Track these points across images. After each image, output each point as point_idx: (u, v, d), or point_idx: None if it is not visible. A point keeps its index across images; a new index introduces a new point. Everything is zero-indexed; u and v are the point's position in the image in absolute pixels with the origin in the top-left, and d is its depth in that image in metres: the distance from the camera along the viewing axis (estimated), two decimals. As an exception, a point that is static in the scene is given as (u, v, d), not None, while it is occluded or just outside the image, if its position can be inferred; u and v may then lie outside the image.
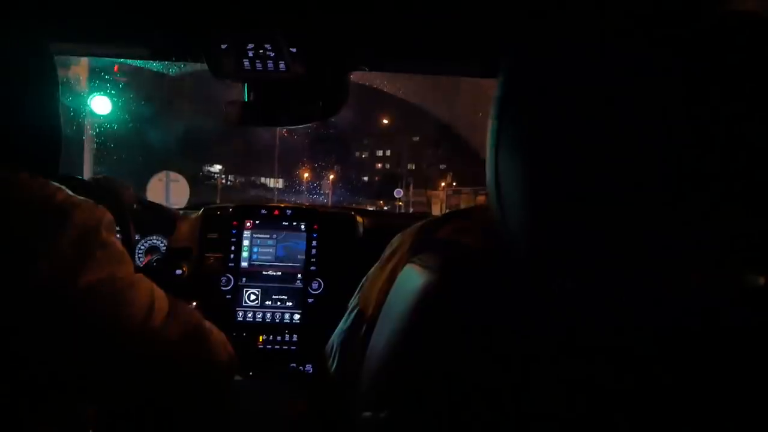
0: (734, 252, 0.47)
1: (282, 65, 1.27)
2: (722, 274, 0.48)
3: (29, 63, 0.82)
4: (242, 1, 1.10)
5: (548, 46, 0.51)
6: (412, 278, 0.59)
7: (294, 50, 1.22)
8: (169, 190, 7.04)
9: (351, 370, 0.69)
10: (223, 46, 1.23)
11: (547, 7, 0.53)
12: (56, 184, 0.75)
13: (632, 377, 0.47)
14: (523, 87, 0.52)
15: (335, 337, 0.83)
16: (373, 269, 0.82)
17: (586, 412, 0.47)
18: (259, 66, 1.28)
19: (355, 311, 0.79)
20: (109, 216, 0.78)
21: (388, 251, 0.80)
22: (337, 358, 0.79)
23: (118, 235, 1.71)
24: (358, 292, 0.83)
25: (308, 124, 1.53)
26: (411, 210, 26.50)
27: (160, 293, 0.84)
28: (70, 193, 0.75)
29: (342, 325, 0.82)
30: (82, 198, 0.75)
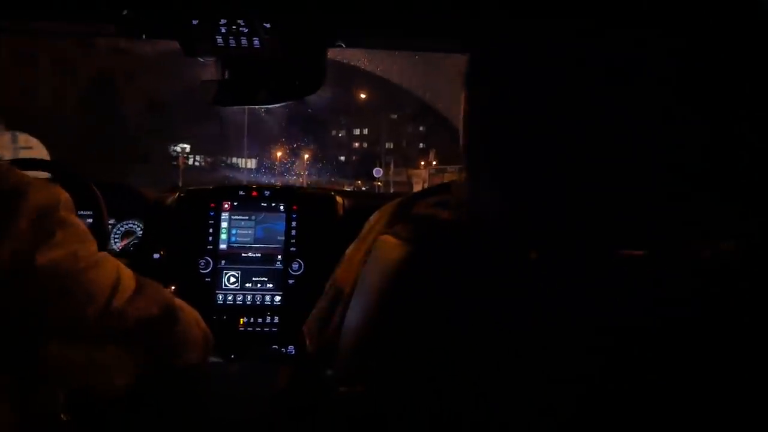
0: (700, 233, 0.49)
1: (256, 42, 1.24)
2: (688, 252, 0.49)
3: None
4: None
5: (521, 20, 0.51)
6: (386, 250, 0.59)
7: (268, 25, 1.19)
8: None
9: (328, 348, 0.68)
10: (194, 22, 1.19)
11: None
12: (5, 163, 0.73)
13: (610, 336, 0.47)
14: (492, 60, 0.53)
15: (313, 316, 0.82)
16: (351, 246, 0.81)
17: (559, 377, 0.48)
18: (232, 43, 1.24)
19: (333, 288, 0.78)
20: (66, 195, 0.76)
21: (365, 228, 0.80)
22: (315, 336, 0.78)
23: (89, 219, 1.69)
24: (336, 270, 0.82)
25: (285, 103, 1.51)
26: (392, 190, 26.51)
27: (126, 272, 0.82)
28: (21, 173, 0.72)
29: (320, 303, 0.81)
30: (34, 177, 0.73)
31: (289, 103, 1.49)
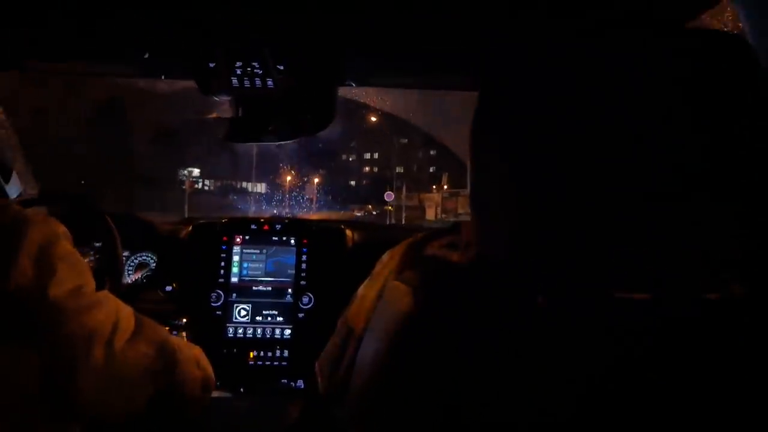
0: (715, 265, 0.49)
1: (270, 82, 1.28)
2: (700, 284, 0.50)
3: None
4: (229, 20, 1.10)
5: (526, 60, 0.52)
6: (396, 296, 0.59)
7: (281, 68, 1.23)
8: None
9: (340, 387, 0.69)
10: (211, 65, 1.23)
11: (530, 24, 0.55)
12: (2, 198, 0.74)
13: (615, 382, 0.48)
14: (500, 100, 0.54)
15: (325, 354, 0.83)
16: (363, 286, 0.82)
17: (573, 418, 0.48)
18: (247, 83, 1.28)
19: (345, 327, 0.79)
20: (63, 228, 0.77)
21: (377, 267, 0.80)
22: (326, 375, 0.78)
23: (93, 255, 1.70)
24: (348, 309, 0.83)
25: (296, 139, 1.54)
26: (404, 214, 26.24)
27: (125, 312, 0.83)
28: (19, 208, 0.74)
29: (332, 340, 0.82)
30: (31, 210, 0.74)
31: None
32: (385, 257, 0.80)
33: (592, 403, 0.48)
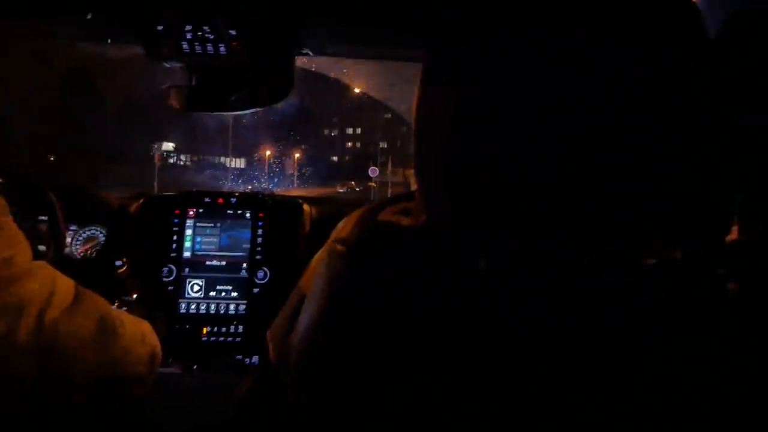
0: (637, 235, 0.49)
1: (222, 48, 1.23)
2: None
3: None
4: None
5: (470, 22, 0.52)
6: (333, 257, 0.60)
7: (233, 33, 1.18)
8: None
9: (288, 353, 0.68)
10: (159, 28, 1.18)
11: None
12: None
13: (547, 344, 0.48)
14: (442, 65, 0.54)
15: (276, 322, 0.81)
16: (317, 255, 0.81)
17: (501, 383, 0.48)
18: (198, 49, 1.23)
19: (297, 294, 0.78)
20: (1, 199, 0.74)
21: (333, 235, 0.79)
22: (277, 342, 0.77)
23: (41, 223, 1.65)
24: (302, 276, 0.82)
25: (253, 110, 1.50)
26: (389, 191, 26.04)
27: (64, 283, 0.80)
28: None
29: (284, 309, 0.81)
30: None
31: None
32: (340, 225, 0.79)
33: (525, 365, 0.48)
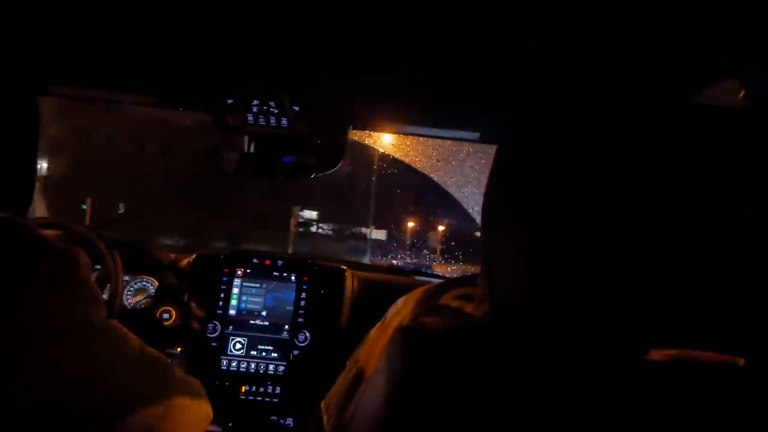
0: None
1: (284, 122, 1.31)
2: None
3: (17, 107, 0.84)
4: (250, 59, 1.14)
5: (541, 126, 0.54)
6: (405, 344, 0.59)
7: (297, 109, 1.26)
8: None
9: (345, 428, 0.69)
10: (229, 101, 1.27)
11: (544, 85, 0.57)
12: (28, 223, 0.75)
13: None
14: (516, 164, 0.55)
15: (333, 393, 0.82)
16: (374, 329, 0.82)
17: None
18: (261, 121, 1.32)
19: (355, 369, 0.79)
20: (84, 256, 0.77)
21: (391, 312, 0.80)
22: (333, 414, 0.78)
23: (96, 271, 1.71)
24: (359, 351, 0.83)
25: (304, 179, 1.57)
26: None
27: (135, 342, 0.83)
28: (43, 232, 0.74)
29: (340, 380, 0.81)
30: (55, 236, 0.75)
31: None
32: (399, 302, 0.80)
33: None
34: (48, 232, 0.76)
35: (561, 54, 0.78)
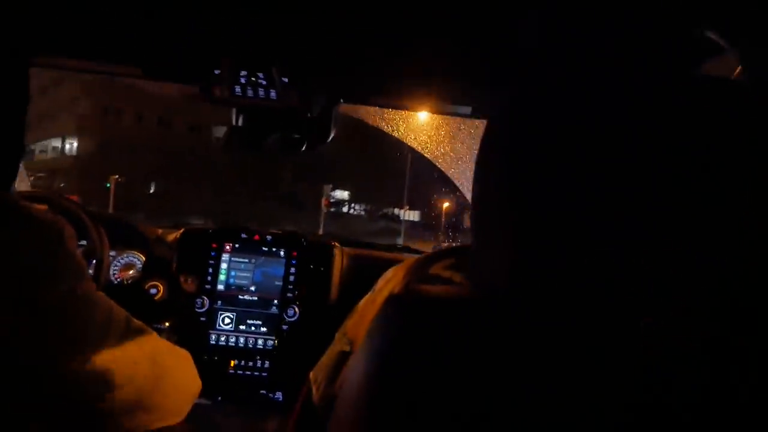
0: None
1: (273, 94, 1.29)
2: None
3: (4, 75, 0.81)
4: (239, 29, 1.12)
5: (532, 96, 0.53)
6: (391, 314, 0.59)
7: (286, 80, 1.24)
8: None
9: (333, 400, 0.69)
10: (216, 72, 1.24)
11: (535, 55, 0.56)
12: (12, 195, 0.74)
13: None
14: (504, 130, 0.54)
15: (321, 364, 0.82)
16: (363, 300, 0.82)
17: None
18: (250, 93, 1.29)
19: (344, 340, 0.79)
20: (70, 228, 0.77)
21: (381, 283, 0.80)
22: (322, 386, 0.78)
23: (81, 247, 1.70)
24: (347, 322, 0.82)
25: (292, 153, 1.55)
26: None
27: (119, 314, 0.83)
28: (28, 204, 0.74)
29: (329, 352, 0.81)
30: (41, 209, 0.74)
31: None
32: (389, 272, 0.80)
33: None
34: (33, 204, 0.75)
35: (557, 25, 0.77)
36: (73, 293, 0.73)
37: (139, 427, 0.88)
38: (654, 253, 0.47)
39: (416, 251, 2.30)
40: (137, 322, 0.87)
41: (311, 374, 0.80)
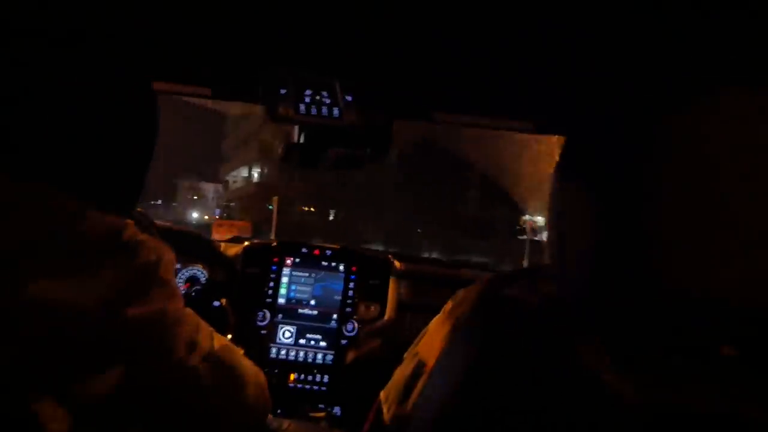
0: None
1: (336, 112, 1.31)
2: None
3: (133, 99, 0.87)
4: (304, 49, 1.14)
5: (611, 114, 0.53)
6: (471, 335, 0.60)
7: (349, 98, 1.26)
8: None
9: (405, 420, 0.69)
10: (282, 91, 1.27)
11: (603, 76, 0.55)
12: (125, 220, 0.77)
13: None
14: (587, 151, 0.54)
15: (392, 384, 0.83)
16: (434, 321, 0.81)
17: None
18: (314, 111, 1.32)
19: (415, 361, 0.78)
20: (171, 255, 0.80)
21: (451, 304, 0.80)
22: (393, 406, 0.78)
23: (177, 266, 1.75)
24: (417, 342, 0.83)
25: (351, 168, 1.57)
26: None
27: (206, 331, 0.86)
28: (136, 229, 0.77)
29: (399, 371, 0.81)
30: (148, 235, 0.78)
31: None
32: (460, 294, 0.79)
33: None
34: (141, 234, 0.79)
35: (638, 35, 0.75)
36: (163, 313, 0.76)
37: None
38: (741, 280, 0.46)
39: (476, 266, 2.29)
40: (220, 337, 0.90)
41: (382, 394, 0.80)
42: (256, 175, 35.85)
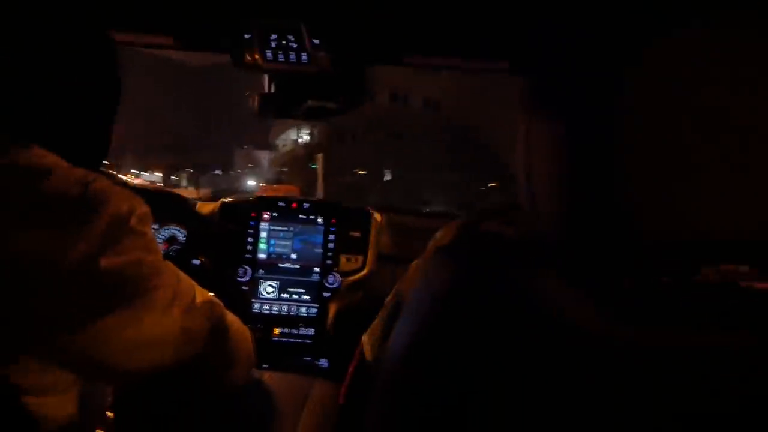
0: None
1: (304, 57, 1.27)
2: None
3: (94, 55, 0.85)
4: None
5: (585, 41, 0.51)
6: (437, 268, 0.59)
7: (316, 42, 1.22)
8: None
9: (383, 357, 0.69)
10: (247, 36, 1.23)
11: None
12: (96, 173, 0.76)
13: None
14: (557, 88, 0.53)
15: (373, 326, 0.83)
16: (416, 261, 0.82)
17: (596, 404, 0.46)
18: (281, 57, 1.28)
19: (395, 301, 0.79)
20: (144, 208, 0.79)
21: (431, 243, 0.80)
22: (375, 345, 0.78)
23: (154, 226, 1.73)
24: (400, 282, 0.83)
25: (326, 118, 1.54)
26: None
27: (186, 283, 0.85)
28: (108, 182, 0.76)
29: (380, 315, 0.82)
30: (119, 187, 0.76)
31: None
32: (439, 232, 0.79)
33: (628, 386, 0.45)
34: (116, 186, 0.77)
35: None
36: (139, 263, 0.75)
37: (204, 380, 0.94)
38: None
39: (458, 216, 2.28)
40: (204, 292, 0.89)
41: (364, 336, 0.80)
42: (305, 136, 35.31)
